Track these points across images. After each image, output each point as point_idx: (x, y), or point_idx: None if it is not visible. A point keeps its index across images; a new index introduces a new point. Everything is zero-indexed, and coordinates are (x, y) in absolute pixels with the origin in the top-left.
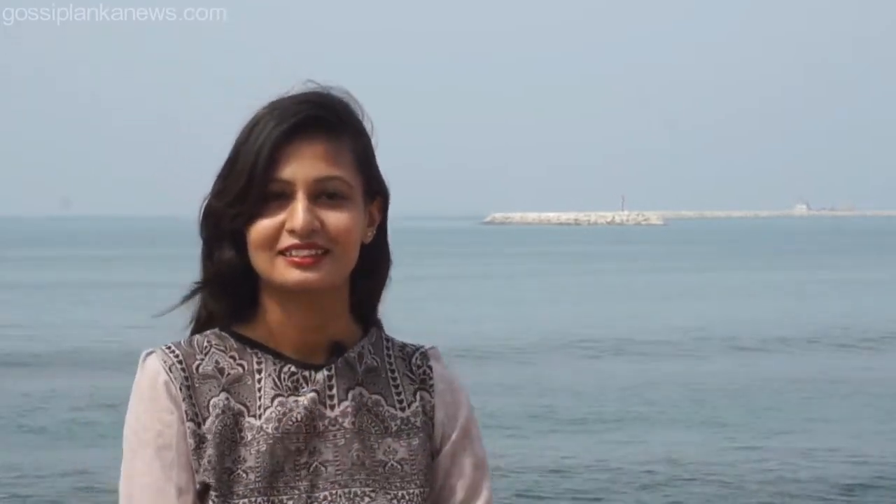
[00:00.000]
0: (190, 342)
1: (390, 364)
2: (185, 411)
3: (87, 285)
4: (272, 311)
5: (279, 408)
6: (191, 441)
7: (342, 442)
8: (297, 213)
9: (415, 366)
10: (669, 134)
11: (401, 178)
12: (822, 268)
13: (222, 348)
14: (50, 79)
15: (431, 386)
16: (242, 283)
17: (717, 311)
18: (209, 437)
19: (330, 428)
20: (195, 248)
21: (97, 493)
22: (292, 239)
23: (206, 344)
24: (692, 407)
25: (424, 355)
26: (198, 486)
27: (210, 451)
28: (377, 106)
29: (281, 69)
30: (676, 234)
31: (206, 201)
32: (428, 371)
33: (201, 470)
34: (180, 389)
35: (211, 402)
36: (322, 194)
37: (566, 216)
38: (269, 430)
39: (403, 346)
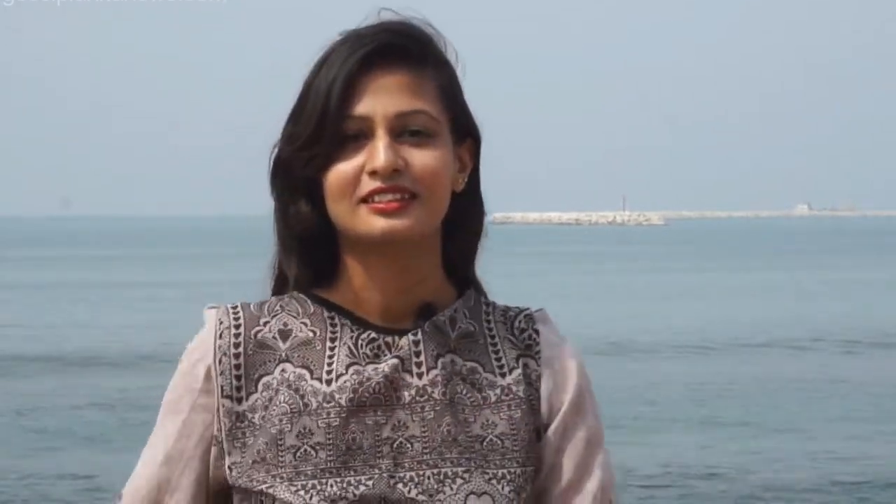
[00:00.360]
0: (261, 304)
1: (489, 328)
2: (221, 386)
3: (87, 285)
4: (354, 272)
5: (355, 376)
6: (224, 420)
7: (431, 415)
8: (378, 151)
9: (517, 329)
10: (670, 132)
11: None
12: (823, 268)
13: (295, 312)
14: (50, 78)
15: (538, 352)
16: (321, 243)
17: (717, 311)
18: (253, 415)
19: (417, 399)
20: (194, 248)
21: (96, 493)
22: (374, 182)
23: (277, 307)
24: (692, 407)
25: (529, 318)
26: (230, 469)
27: (258, 435)
28: None
29: (280, 67)
30: (677, 234)
31: (275, 150)
32: (533, 335)
33: (243, 452)
34: (220, 361)
35: (262, 380)
36: (405, 131)
37: (567, 216)
38: (343, 402)
39: (506, 309)
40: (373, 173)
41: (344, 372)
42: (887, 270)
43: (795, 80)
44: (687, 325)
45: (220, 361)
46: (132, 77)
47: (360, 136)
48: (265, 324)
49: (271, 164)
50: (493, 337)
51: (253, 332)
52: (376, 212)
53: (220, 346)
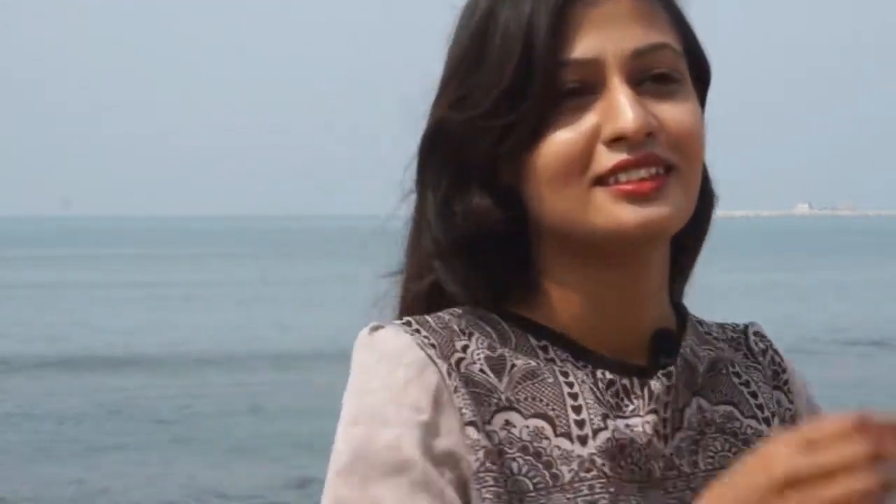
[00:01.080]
0: (440, 320)
1: (721, 354)
2: (460, 409)
3: (87, 285)
4: (563, 285)
5: (616, 435)
6: (470, 458)
7: (689, 496)
8: (621, 107)
9: (758, 353)
10: None
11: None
12: (823, 268)
13: (491, 337)
14: (50, 79)
15: (786, 383)
16: (501, 245)
17: (716, 311)
18: (516, 471)
19: (667, 473)
20: (194, 248)
21: (95, 495)
22: (618, 154)
23: (464, 326)
24: None
25: (762, 336)
26: None
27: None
28: (373, 104)
29: (282, 71)
30: None
31: (435, 121)
32: (776, 359)
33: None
34: (455, 390)
35: (493, 419)
36: (645, 77)
37: None
38: (607, 470)
39: (722, 326)
40: (615, 141)
41: (602, 426)
42: (887, 270)
43: (796, 80)
44: None
45: (456, 390)
46: (132, 77)
47: (578, 89)
48: (464, 349)
49: (425, 139)
50: (732, 365)
51: (453, 361)
52: (624, 196)
53: (442, 369)
